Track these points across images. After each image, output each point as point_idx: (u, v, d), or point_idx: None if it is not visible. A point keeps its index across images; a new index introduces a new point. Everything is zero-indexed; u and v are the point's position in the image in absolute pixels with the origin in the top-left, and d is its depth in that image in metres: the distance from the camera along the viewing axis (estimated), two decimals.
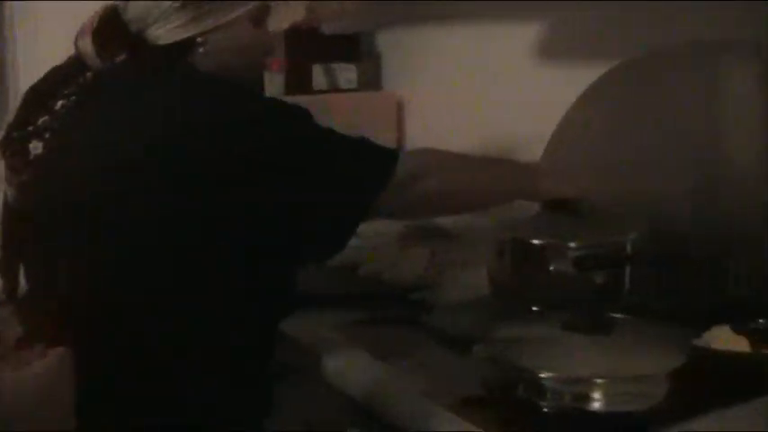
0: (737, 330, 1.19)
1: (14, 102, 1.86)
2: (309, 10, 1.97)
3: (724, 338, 1.18)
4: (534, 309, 1.32)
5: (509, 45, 1.76)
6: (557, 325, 1.09)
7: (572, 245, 1.32)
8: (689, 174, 1.43)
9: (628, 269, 1.35)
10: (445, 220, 1.80)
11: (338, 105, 1.99)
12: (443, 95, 1.96)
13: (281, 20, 1.96)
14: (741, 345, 1.16)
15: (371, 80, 2.10)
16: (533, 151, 1.66)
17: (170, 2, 1.07)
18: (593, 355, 1.02)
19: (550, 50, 1.68)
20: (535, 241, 1.33)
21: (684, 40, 1.42)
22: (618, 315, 1.15)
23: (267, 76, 1.93)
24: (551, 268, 1.33)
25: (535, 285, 1.34)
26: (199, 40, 1.10)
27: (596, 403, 0.99)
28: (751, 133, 1.37)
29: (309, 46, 1.99)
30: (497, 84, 1.82)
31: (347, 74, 2.02)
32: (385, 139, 1.99)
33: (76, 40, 1.12)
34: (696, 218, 1.42)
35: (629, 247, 1.35)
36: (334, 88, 2.01)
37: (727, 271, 1.37)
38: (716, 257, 1.39)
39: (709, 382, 1.07)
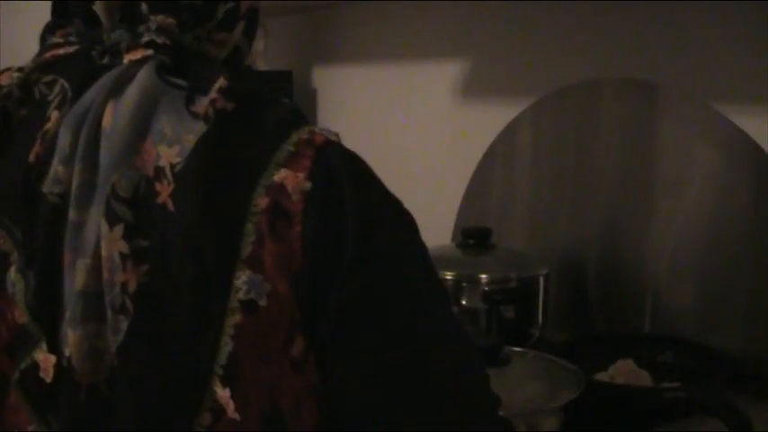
0: (641, 364, 1.20)
1: None
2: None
3: (626, 372, 1.18)
4: None
5: (436, 84, 1.77)
6: None
7: (483, 278, 1.33)
8: (597, 218, 1.45)
9: (540, 304, 1.36)
10: None
11: None
12: (374, 133, 1.97)
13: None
14: (643, 379, 1.17)
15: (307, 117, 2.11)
16: (458, 186, 1.68)
17: None
18: None
19: (473, 89, 1.70)
20: (447, 274, 1.33)
21: (608, 77, 1.44)
22: (518, 349, 1.15)
23: None
24: (462, 302, 1.33)
25: None
26: None
27: None
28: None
29: (243, 82, 1.99)
30: (427, 122, 1.83)
31: None
32: None
33: None
34: (604, 261, 1.44)
35: (541, 283, 1.36)
36: None
37: (636, 308, 1.38)
38: (623, 295, 1.40)
39: (606, 416, 1.08)
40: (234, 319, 0.60)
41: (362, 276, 0.61)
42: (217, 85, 0.63)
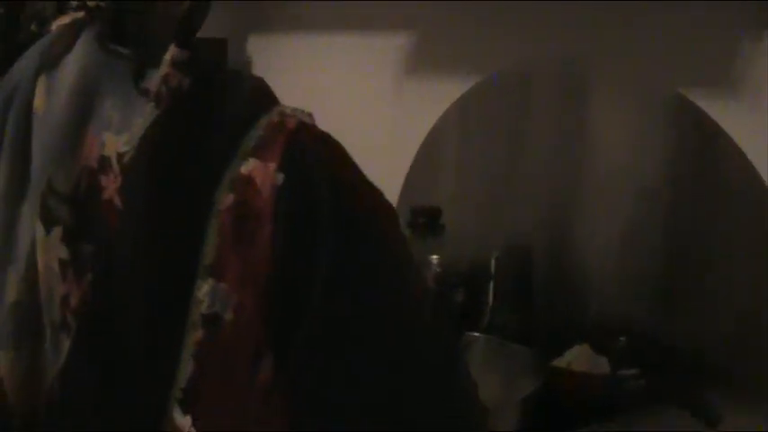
0: (598, 350, 1.17)
1: None
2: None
3: (584, 358, 1.15)
4: None
5: (378, 57, 1.71)
6: None
7: (434, 260, 1.28)
8: (542, 203, 1.41)
9: (491, 288, 1.33)
10: None
11: None
12: (311, 105, 1.90)
13: None
14: (601, 365, 1.14)
15: None
16: (398, 166, 1.63)
17: None
18: None
19: (416, 65, 1.65)
20: None
21: (553, 57, 1.40)
22: (475, 334, 1.12)
23: None
24: None
25: None
26: None
27: None
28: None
29: None
30: (366, 98, 1.77)
31: None
32: None
33: None
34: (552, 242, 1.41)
35: (492, 266, 1.32)
36: None
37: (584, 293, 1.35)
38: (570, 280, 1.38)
39: (565, 404, 1.05)
40: (195, 335, 0.50)
41: (341, 291, 0.52)
42: (168, 56, 0.54)
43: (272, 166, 0.52)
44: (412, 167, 1.62)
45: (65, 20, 0.56)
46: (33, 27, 0.56)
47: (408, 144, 1.63)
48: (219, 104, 0.54)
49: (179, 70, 0.53)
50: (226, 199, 0.51)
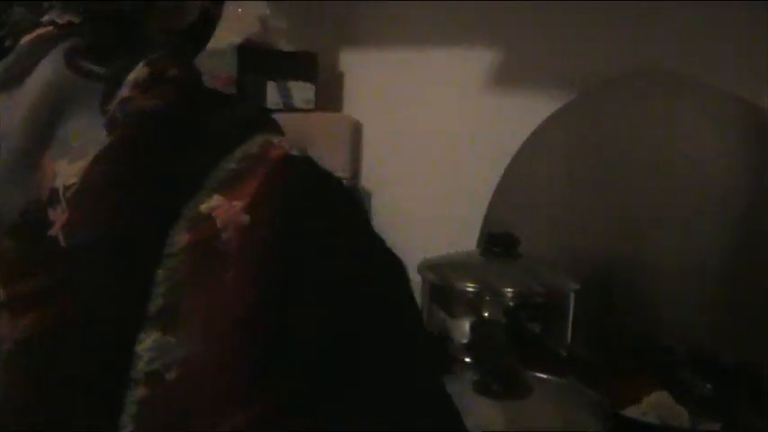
0: (678, 398, 1.08)
1: None
2: (263, 24, 1.86)
3: (662, 408, 1.06)
4: (465, 359, 1.22)
5: (468, 70, 1.65)
6: (469, 384, 0.97)
7: (508, 291, 1.21)
8: (632, 224, 1.32)
9: (569, 322, 1.25)
10: None
11: (292, 126, 1.87)
12: (401, 120, 1.85)
13: (234, 33, 1.86)
14: (680, 416, 1.05)
15: (331, 101, 2.00)
16: (486, 182, 1.56)
17: None
18: (498, 425, 0.91)
19: (506, 77, 1.58)
20: (469, 285, 1.22)
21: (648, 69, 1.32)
22: (542, 375, 1.04)
23: None
24: (485, 315, 1.22)
25: (466, 334, 1.23)
26: None
27: None
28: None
29: (264, 62, 1.88)
30: (455, 111, 1.71)
31: (304, 93, 1.91)
32: (339, 162, 1.89)
33: None
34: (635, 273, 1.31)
35: (571, 299, 1.24)
36: (290, 107, 1.90)
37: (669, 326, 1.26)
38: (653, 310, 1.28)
39: None
40: (137, 393, 0.43)
41: (318, 358, 0.44)
42: (132, 76, 0.47)
43: (239, 204, 0.45)
44: (498, 189, 1.54)
45: (33, 34, 0.50)
46: (8, 43, 0.51)
47: (495, 164, 1.56)
48: (195, 131, 0.47)
49: (145, 91, 0.47)
50: (180, 239, 0.44)
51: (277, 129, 0.50)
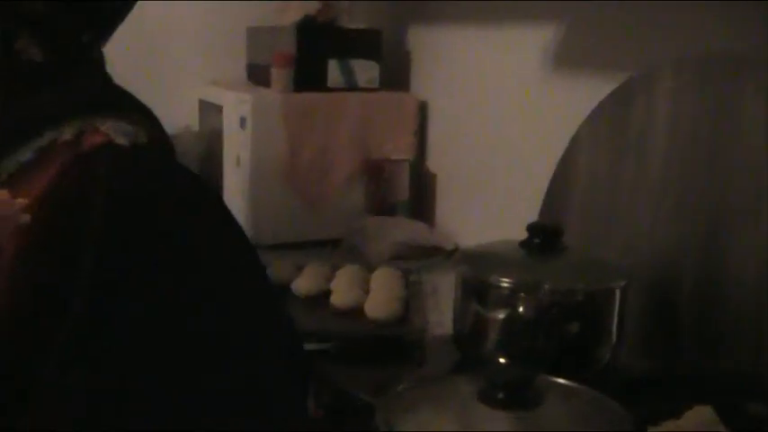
0: (724, 414, 0.97)
1: None
2: (326, 1, 1.80)
3: (700, 422, 0.96)
4: (501, 360, 1.14)
5: (533, 48, 1.55)
6: (475, 392, 0.89)
7: (547, 287, 1.12)
8: (704, 222, 1.20)
9: (614, 323, 1.15)
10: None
11: (355, 105, 1.82)
12: (465, 99, 1.77)
13: (293, 11, 1.81)
14: None
15: (397, 80, 1.92)
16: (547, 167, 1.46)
17: None
18: None
19: (564, 57, 1.47)
20: (504, 280, 1.13)
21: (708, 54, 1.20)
22: (559, 381, 0.95)
23: (274, 72, 1.78)
24: (521, 312, 1.13)
25: (500, 331, 1.15)
26: None
27: None
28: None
29: (324, 40, 1.82)
30: (520, 91, 1.61)
31: (368, 72, 1.84)
32: (403, 143, 1.82)
33: None
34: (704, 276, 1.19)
35: (617, 297, 1.14)
36: (353, 86, 1.84)
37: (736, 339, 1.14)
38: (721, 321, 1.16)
39: None
40: None
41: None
42: None
43: (22, 202, 0.42)
44: (554, 176, 1.44)
45: None
46: None
47: (554, 145, 1.46)
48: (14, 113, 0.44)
49: None
50: None
51: (120, 111, 0.45)
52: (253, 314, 0.49)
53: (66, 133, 0.44)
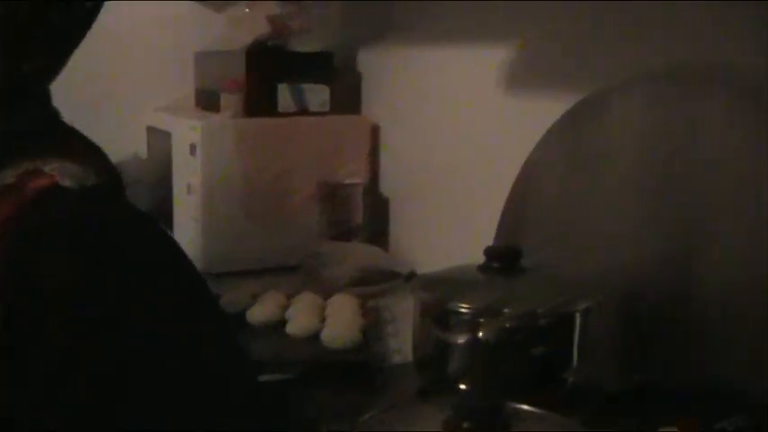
0: None
1: None
2: (274, 24, 1.78)
3: None
4: (461, 387, 1.12)
5: (486, 70, 1.54)
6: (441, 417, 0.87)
7: (507, 311, 1.10)
8: (661, 238, 1.20)
9: (575, 345, 1.13)
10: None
11: (307, 129, 1.80)
12: (419, 122, 1.75)
13: (242, 34, 1.78)
14: None
15: (348, 103, 1.91)
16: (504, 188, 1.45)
17: None
18: None
19: (518, 78, 1.46)
20: (463, 306, 1.11)
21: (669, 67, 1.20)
22: (532, 409, 0.93)
23: (223, 97, 1.75)
24: (481, 337, 1.11)
25: (461, 357, 1.13)
26: None
27: None
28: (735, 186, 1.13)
29: (275, 63, 1.80)
30: (473, 113, 1.60)
31: (318, 95, 1.82)
32: (356, 167, 1.80)
33: None
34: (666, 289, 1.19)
35: (577, 320, 1.13)
36: (304, 110, 1.82)
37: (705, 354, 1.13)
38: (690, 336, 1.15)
39: None
40: None
41: None
42: None
43: None
44: (510, 196, 1.43)
45: None
46: None
47: (510, 167, 1.44)
48: None
49: None
50: None
51: (67, 151, 0.42)
52: (202, 351, 0.47)
53: (8, 176, 0.41)
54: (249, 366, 0.52)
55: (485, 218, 1.47)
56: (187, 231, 1.77)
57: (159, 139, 1.92)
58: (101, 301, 0.43)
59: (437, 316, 1.14)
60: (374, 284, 1.61)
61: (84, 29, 0.57)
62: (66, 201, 0.42)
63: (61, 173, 0.43)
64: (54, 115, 0.52)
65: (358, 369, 1.26)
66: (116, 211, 0.45)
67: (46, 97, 0.54)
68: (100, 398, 0.42)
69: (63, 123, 0.53)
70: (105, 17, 1.90)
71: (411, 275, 1.69)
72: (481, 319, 1.10)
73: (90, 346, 0.42)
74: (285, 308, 1.45)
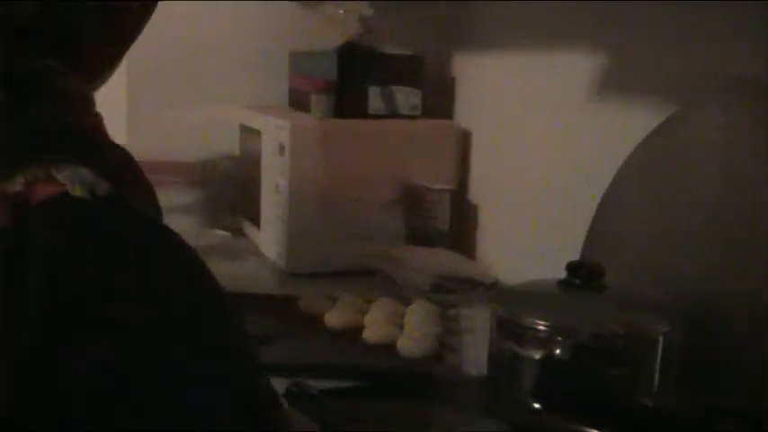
0: None
1: None
2: (366, 25, 1.77)
3: None
4: (535, 405, 1.09)
5: (574, 78, 1.50)
6: None
7: (585, 329, 1.06)
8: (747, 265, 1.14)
9: (656, 369, 1.09)
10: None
11: (396, 132, 1.78)
12: (509, 128, 1.72)
13: (335, 34, 1.78)
14: None
15: (439, 107, 1.88)
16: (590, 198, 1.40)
17: None
18: None
19: (611, 86, 1.42)
20: (539, 322, 1.08)
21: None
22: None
23: (313, 97, 1.75)
24: (557, 356, 1.08)
25: (536, 375, 1.09)
26: None
27: None
28: None
29: (366, 65, 1.79)
30: (562, 119, 1.56)
31: (410, 98, 1.80)
32: (444, 173, 1.78)
33: None
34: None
35: (659, 343, 1.08)
36: (394, 114, 1.80)
37: None
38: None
39: None
40: None
41: None
42: None
43: None
44: (597, 211, 1.39)
45: None
46: None
47: (600, 179, 1.40)
48: None
49: None
50: None
51: (87, 156, 0.41)
52: (208, 377, 0.45)
53: (17, 183, 0.40)
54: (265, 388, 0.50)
55: (574, 229, 1.43)
56: (273, 230, 1.78)
57: (251, 137, 1.93)
58: (86, 321, 0.41)
59: (513, 330, 1.10)
60: (456, 293, 1.58)
61: (103, 31, 0.55)
62: (73, 211, 0.41)
63: (72, 180, 0.41)
64: (86, 115, 0.51)
65: (431, 380, 1.23)
66: (128, 222, 0.43)
67: (81, 96, 0.53)
68: (96, 410, 0.41)
69: (96, 126, 0.52)
70: (208, 16, 1.93)
71: (494, 285, 1.66)
72: (558, 337, 1.06)
73: (64, 375, 0.41)
74: (364, 313, 1.44)
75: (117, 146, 0.51)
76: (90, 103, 0.53)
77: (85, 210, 0.42)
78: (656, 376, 1.09)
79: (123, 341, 0.41)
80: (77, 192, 0.41)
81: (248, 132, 1.97)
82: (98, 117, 0.53)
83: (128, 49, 0.59)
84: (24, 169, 0.41)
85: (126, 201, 0.44)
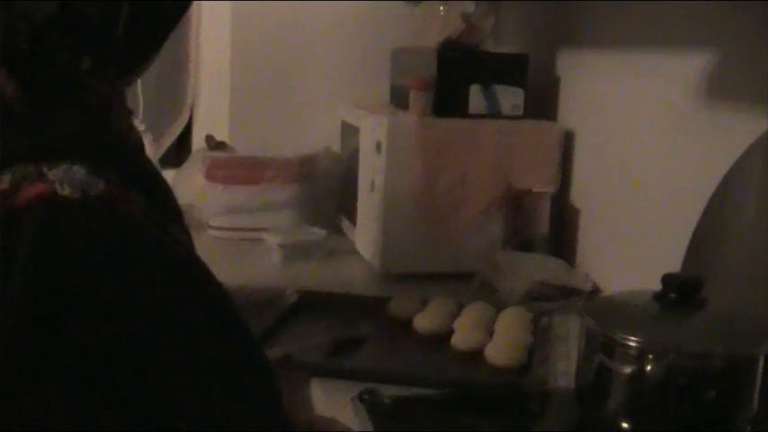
0: None
1: None
2: (468, 22, 1.73)
3: None
4: (623, 425, 1.03)
5: (680, 79, 1.43)
6: None
7: (679, 347, 1.01)
8: None
9: (756, 392, 1.02)
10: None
11: (496, 132, 1.74)
12: (612, 131, 1.65)
13: (435, 32, 1.75)
14: None
15: (542, 107, 1.83)
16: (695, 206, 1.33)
17: None
18: None
19: (719, 89, 1.34)
20: (632, 338, 1.02)
21: None
22: None
23: (412, 95, 1.72)
24: (649, 374, 1.02)
25: (625, 392, 1.04)
26: None
27: None
28: None
29: (467, 64, 1.75)
30: (667, 123, 1.49)
31: (512, 98, 1.76)
32: (546, 175, 1.73)
33: None
34: None
35: (760, 365, 1.01)
36: (496, 113, 1.76)
37: None
38: None
39: None
40: None
41: None
42: None
43: None
44: (701, 220, 1.31)
45: None
46: None
47: (703, 185, 1.33)
48: None
49: None
50: None
51: (87, 154, 0.39)
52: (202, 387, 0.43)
53: (3, 181, 0.39)
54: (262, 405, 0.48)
55: (678, 236, 1.36)
56: (368, 229, 1.76)
57: (351, 134, 1.92)
58: (63, 328, 0.40)
59: (603, 343, 1.05)
60: (552, 300, 1.53)
61: (136, 26, 0.53)
62: (57, 211, 0.39)
63: (62, 179, 0.40)
64: (115, 113, 0.49)
65: (518, 391, 1.19)
66: (116, 224, 0.41)
67: (101, 99, 0.51)
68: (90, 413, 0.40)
69: (123, 124, 0.50)
70: (310, 14, 1.93)
71: (594, 293, 1.60)
72: (650, 354, 1.01)
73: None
74: (454, 317, 1.41)
75: (137, 140, 0.50)
76: (114, 100, 0.51)
77: (71, 209, 0.40)
78: (756, 400, 1.02)
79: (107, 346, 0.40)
80: (66, 191, 0.40)
81: (349, 129, 1.96)
82: (122, 116, 0.51)
83: (162, 44, 0.58)
84: (15, 167, 0.40)
85: (124, 202, 0.42)
